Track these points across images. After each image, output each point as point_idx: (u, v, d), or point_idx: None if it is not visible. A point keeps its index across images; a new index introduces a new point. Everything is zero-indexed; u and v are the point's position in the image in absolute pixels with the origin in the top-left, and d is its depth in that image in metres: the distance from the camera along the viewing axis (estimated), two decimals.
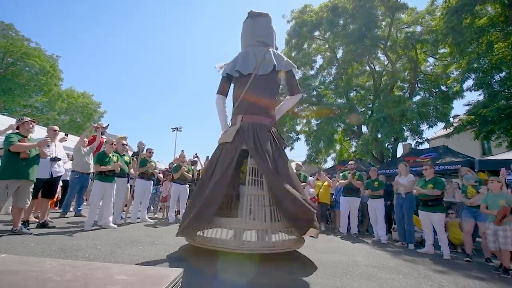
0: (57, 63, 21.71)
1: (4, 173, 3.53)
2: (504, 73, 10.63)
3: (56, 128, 4.67)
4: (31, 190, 3.86)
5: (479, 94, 11.06)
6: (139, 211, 6.00)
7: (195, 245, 3.36)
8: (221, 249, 3.14)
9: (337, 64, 14.97)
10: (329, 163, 20.98)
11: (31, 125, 3.88)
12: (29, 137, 3.86)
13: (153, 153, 6.30)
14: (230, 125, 4.09)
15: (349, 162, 6.59)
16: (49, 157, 4.28)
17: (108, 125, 8.76)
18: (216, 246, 3.16)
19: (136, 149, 6.71)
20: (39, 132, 8.80)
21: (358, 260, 3.74)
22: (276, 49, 4.35)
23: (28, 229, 3.98)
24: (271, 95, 4.08)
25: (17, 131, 3.83)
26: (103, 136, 8.27)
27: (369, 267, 3.37)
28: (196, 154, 7.41)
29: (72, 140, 10.09)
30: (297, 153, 53.62)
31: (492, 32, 10.64)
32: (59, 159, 4.52)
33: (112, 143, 4.98)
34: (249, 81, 3.89)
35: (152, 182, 6.30)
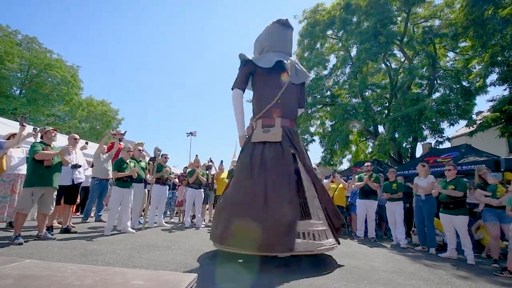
0: (77, 73, 22.72)
1: (30, 180, 3.72)
2: None
3: (77, 136, 4.88)
4: (55, 196, 4.04)
5: (504, 89, 10.51)
6: (156, 215, 6.14)
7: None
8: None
9: (351, 63, 14.70)
10: (345, 164, 20.65)
11: (53, 134, 4.08)
12: (52, 145, 4.06)
13: (168, 158, 6.44)
14: (253, 123, 3.96)
15: (365, 164, 6.43)
16: (70, 165, 4.47)
17: (126, 131, 9.04)
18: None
19: (152, 155, 6.89)
20: (61, 140, 9.28)
21: (375, 265, 3.64)
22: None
23: (52, 234, 4.18)
24: (298, 104, 4.20)
25: (41, 140, 4.05)
26: (121, 143, 8.56)
27: (387, 273, 3.27)
28: (210, 158, 7.50)
29: (92, 147, 10.52)
30: (312, 155, 52.95)
31: None
32: (80, 166, 4.71)
33: (129, 150, 5.13)
34: (285, 86, 3.89)
35: (168, 187, 6.43)
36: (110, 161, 6.41)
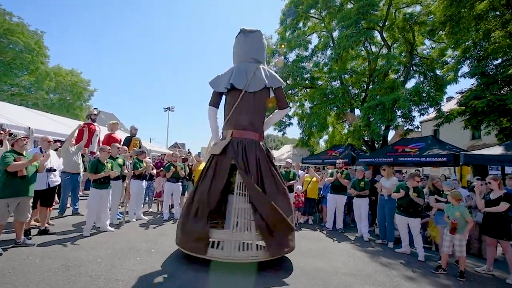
0: (42, 40, 20.70)
1: (4, 192, 3.65)
2: (500, 60, 10.67)
3: (50, 138, 4.73)
4: (31, 204, 4.03)
5: (472, 84, 11.12)
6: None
7: (191, 254, 3.69)
8: (212, 259, 3.58)
9: (332, 45, 14.63)
10: (322, 144, 21.33)
11: (25, 142, 3.95)
12: (24, 153, 3.95)
13: (147, 154, 6.43)
14: (221, 137, 4.35)
15: (337, 161, 6.80)
16: (45, 169, 4.39)
17: (99, 112, 8.78)
18: (210, 257, 3.58)
19: (128, 130, 6.83)
20: (30, 116, 8.85)
21: (338, 266, 4.11)
22: (268, 63, 4.49)
23: (30, 238, 4.23)
24: (260, 111, 4.27)
25: (12, 148, 3.91)
26: (95, 124, 8.32)
27: (346, 276, 3.74)
28: (188, 149, 7.57)
29: (62, 123, 10.05)
30: (289, 135, 53.75)
31: (491, 18, 10.43)
32: (55, 170, 4.64)
33: (108, 151, 5.08)
34: (239, 98, 4.08)
35: (145, 178, 6.46)
36: (80, 153, 6.29)
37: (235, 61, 4.48)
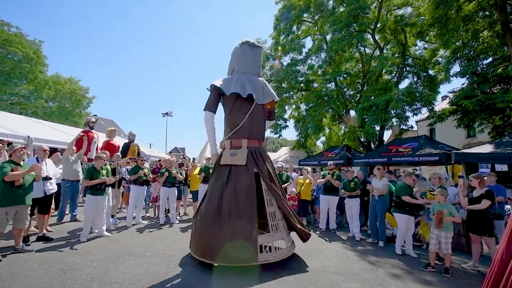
0: (40, 49, 20.99)
1: (2, 201, 3.79)
2: (490, 58, 10.85)
3: (46, 147, 4.89)
4: (28, 211, 4.18)
5: (463, 84, 11.28)
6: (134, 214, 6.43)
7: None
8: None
9: (325, 48, 14.84)
10: (319, 146, 21.49)
11: (22, 152, 4.11)
12: (22, 163, 4.11)
13: (145, 160, 6.57)
14: (224, 143, 4.49)
15: (328, 163, 6.95)
16: (41, 178, 4.55)
17: (98, 119, 9.00)
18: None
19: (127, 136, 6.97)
20: (30, 125, 9.01)
21: (327, 265, 4.24)
22: (262, 67, 4.85)
23: (29, 245, 4.38)
24: (264, 122, 4.63)
25: (10, 158, 4.07)
26: (93, 131, 8.49)
27: (333, 274, 3.86)
28: (183, 155, 7.70)
29: (62, 131, 10.21)
30: (288, 137, 54.09)
31: (479, 19, 10.61)
32: (51, 178, 4.80)
33: (104, 159, 5.23)
34: (251, 108, 4.28)
35: (146, 186, 6.61)
36: (79, 161, 6.44)
37: (237, 70, 4.54)
